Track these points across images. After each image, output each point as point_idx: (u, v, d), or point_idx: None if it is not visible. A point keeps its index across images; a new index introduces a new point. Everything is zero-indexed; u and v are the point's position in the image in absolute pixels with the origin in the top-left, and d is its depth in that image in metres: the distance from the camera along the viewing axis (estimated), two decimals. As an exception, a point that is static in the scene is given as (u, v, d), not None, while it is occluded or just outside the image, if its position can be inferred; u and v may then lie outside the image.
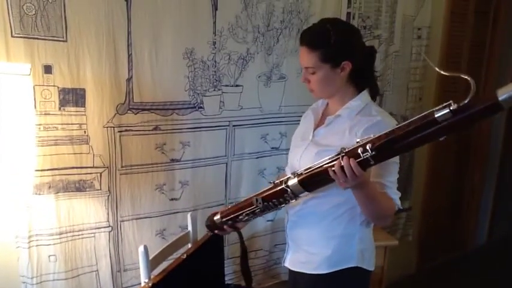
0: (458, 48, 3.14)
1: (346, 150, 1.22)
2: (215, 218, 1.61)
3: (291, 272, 1.62)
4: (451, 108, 1.05)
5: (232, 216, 1.54)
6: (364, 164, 1.20)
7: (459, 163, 3.55)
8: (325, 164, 1.25)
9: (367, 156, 1.17)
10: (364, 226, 1.50)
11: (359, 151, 1.19)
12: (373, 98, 1.52)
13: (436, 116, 1.07)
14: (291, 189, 1.33)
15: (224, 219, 1.57)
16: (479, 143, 3.62)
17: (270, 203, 1.40)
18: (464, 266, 3.53)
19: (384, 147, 1.16)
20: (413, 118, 1.13)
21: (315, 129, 1.54)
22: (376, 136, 1.17)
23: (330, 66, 1.41)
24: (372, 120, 1.38)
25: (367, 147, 1.17)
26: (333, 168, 1.23)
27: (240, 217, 1.51)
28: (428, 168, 3.21)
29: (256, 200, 1.41)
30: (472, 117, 1.06)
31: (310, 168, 1.29)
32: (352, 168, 1.19)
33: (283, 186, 1.34)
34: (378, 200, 1.36)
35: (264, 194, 1.41)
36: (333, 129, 1.48)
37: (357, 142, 1.21)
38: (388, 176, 1.39)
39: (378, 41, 2.52)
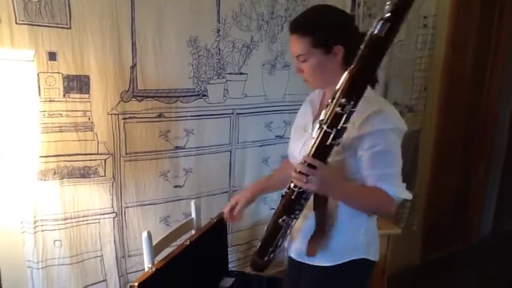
0: (465, 38, 3.12)
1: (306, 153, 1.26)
2: (257, 260, 1.56)
3: (293, 262, 1.58)
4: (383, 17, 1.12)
5: (271, 249, 1.48)
6: (325, 146, 1.22)
7: (464, 155, 3.53)
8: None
9: (323, 130, 1.21)
10: (369, 217, 1.49)
11: (315, 136, 1.24)
12: (372, 86, 1.46)
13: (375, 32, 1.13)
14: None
15: (267, 258, 1.52)
16: (484, 136, 3.60)
17: (296, 212, 1.37)
18: (468, 258, 3.52)
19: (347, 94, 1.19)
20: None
21: (314, 121, 1.51)
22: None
23: (322, 52, 1.37)
24: (371, 109, 1.33)
25: (322, 125, 1.22)
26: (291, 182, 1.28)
27: (279, 244, 1.47)
28: (433, 159, 3.21)
29: (283, 220, 1.37)
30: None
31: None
32: (307, 162, 1.22)
33: (298, 190, 1.30)
34: (360, 196, 1.36)
35: (285, 210, 1.37)
36: None
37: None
38: (381, 168, 1.33)
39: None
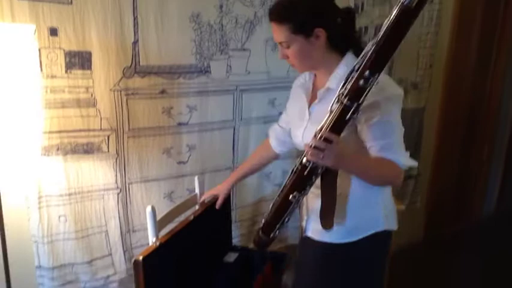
0: (471, 14, 3.07)
1: (319, 127, 1.24)
2: (262, 236, 1.56)
3: (312, 242, 1.56)
4: None
5: (278, 226, 1.48)
6: (343, 121, 1.21)
7: (469, 133, 3.51)
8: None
9: (343, 104, 1.19)
10: (385, 188, 1.50)
11: (334, 110, 1.22)
12: None
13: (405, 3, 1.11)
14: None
15: (272, 235, 1.52)
16: (489, 113, 3.57)
17: (307, 188, 1.36)
18: (471, 236, 3.53)
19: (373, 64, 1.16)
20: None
21: (309, 107, 1.50)
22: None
23: (303, 37, 1.36)
24: None
25: (341, 99, 1.20)
26: (305, 155, 1.26)
27: (286, 220, 1.46)
28: (437, 137, 3.19)
29: (294, 196, 1.36)
30: None
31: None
32: (324, 136, 1.20)
33: (311, 166, 1.29)
34: (372, 168, 1.34)
35: (296, 186, 1.36)
36: (327, 104, 1.38)
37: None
38: (384, 138, 1.32)
39: (388, 5, 2.48)
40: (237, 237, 2.35)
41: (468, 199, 3.70)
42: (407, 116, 2.85)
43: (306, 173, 1.31)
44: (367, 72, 1.16)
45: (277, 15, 1.38)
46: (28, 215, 1.77)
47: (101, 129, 1.82)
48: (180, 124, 2.02)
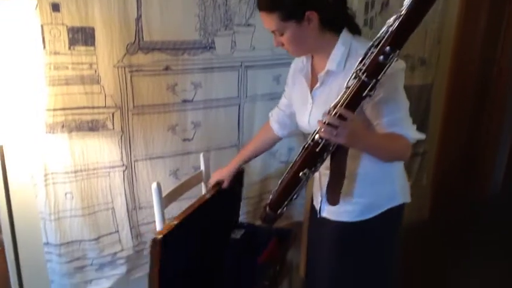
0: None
1: (334, 104, 1.21)
2: (269, 213, 1.54)
3: (325, 221, 1.57)
4: None
5: (286, 202, 1.47)
6: (360, 98, 1.18)
7: (476, 110, 3.48)
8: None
9: (361, 80, 1.16)
10: (397, 163, 1.50)
11: (350, 86, 1.19)
12: (358, 33, 1.43)
13: None
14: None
15: (280, 211, 1.51)
16: (497, 90, 3.53)
17: (318, 165, 1.35)
18: (477, 214, 3.53)
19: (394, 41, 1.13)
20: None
21: (311, 91, 1.48)
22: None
23: (295, 22, 1.32)
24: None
25: (359, 74, 1.17)
26: (317, 132, 1.24)
27: (294, 197, 1.45)
28: (445, 114, 3.16)
29: (304, 173, 1.35)
30: None
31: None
32: (339, 113, 1.17)
33: (324, 143, 1.27)
34: (383, 145, 1.33)
35: (307, 163, 1.34)
36: (329, 87, 1.41)
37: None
38: (391, 114, 1.31)
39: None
40: (243, 214, 2.35)
41: (475, 177, 3.69)
42: (414, 92, 2.83)
43: (317, 149, 1.29)
44: (387, 48, 1.13)
45: (265, 4, 1.35)
46: (35, 192, 1.78)
47: (105, 106, 1.81)
48: (184, 101, 2.01)
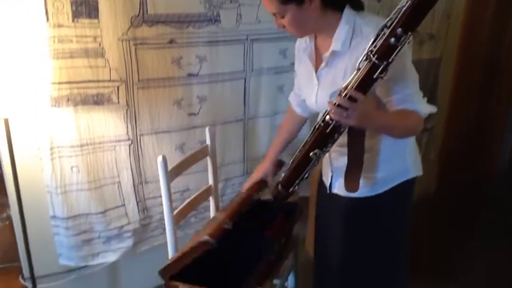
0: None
1: (345, 85, 1.19)
2: (281, 190, 1.56)
3: (336, 197, 1.57)
4: None
5: (298, 181, 1.48)
6: (371, 80, 1.16)
7: (485, 85, 3.44)
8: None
9: (372, 62, 1.14)
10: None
11: (361, 67, 1.17)
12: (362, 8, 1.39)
13: None
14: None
15: (291, 189, 1.52)
16: (507, 63, 3.47)
17: (329, 145, 1.34)
18: (484, 189, 3.52)
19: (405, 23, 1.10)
20: None
21: (316, 72, 1.45)
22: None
23: (295, 4, 1.29)
24: (367, 41, 1.24)
25: (370, 56, 1.14)
26: (328, 113, 1.23)
27: (306, 176, 1.46)
28: (453, 88, 3.13)
29: (314, 153, 1.35)
30: None
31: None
32: (349, 95, 1.15)
33: (334, 124, 1.25)
34: (396, 123, 1.31)
35: (318, 143, 1.34)
36: (334, 67, 1.38)
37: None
38: (401, 91, 1.29)
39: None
40: (248, 188, 2.36)
41: (483, 152, 3.67)
42: (423, 67, 2.79)
43: (328, 130, 1.28)
44: (399, 30, 1.10)
45: None
46: (41, 166, 1.78)
47: (110, 80, 1.80)
48: (190, 75, 1.99)
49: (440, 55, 2.89)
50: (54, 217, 1.87)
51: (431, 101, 2.87)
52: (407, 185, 1.51)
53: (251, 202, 1.70)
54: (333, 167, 1.56)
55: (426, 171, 1.57)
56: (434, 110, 1.36)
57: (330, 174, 1.58)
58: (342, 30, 1.33)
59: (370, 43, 1.16)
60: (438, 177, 3.30)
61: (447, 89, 3.10)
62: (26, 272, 1.93)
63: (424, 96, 1.35)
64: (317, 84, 1.45)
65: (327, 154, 1.52)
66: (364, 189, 1.47)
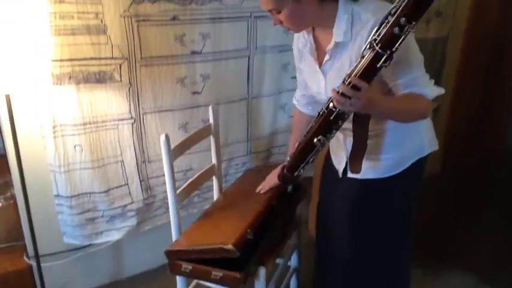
0: None
1: (349, 73, 1.17)
2: (286, 174, 1.57)
3: (343, 179, 1.57)
4: None
5: (302, 165, 1.49)
6: (374, 69, 1.14)
7: (492, 64, 3.39)
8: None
9: (375, 51, 1.12)
10: None
11: (365, 56, 1.14)
12: None
13: None
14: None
15: (297, 173, 1.53)
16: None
17: (333, 131, 1.34)
18: (489, 169, 3.50)
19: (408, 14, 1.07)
20: None
21: (320, 66, 1.42)
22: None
23: (291, 0, 1.26)
24: (367, 28, 1.24)
25: (373, 45, 1.12)
26: (332, 102, 1.22)
27: (310, 161, 1.46)
28: (459, 67, 3.09)
29: (318, 140, 1.35)
30: None
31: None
32: (352, 83, 1.13)
33: (338, 111, 1.25)
34: (401, 109, 1.29)
35: (322, 130, 1.33)
36: (339, 58, 1.36)
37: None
38: (407, 74, 1.27)
39: None
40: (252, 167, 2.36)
41: (488, 132, 3.64)
42: (429, 46, 2.75)
43: (332, 117, 1.28)
44: (403, 19, 1.07)
45: None
46: (44, 144, 1.77)
47: (112, 57, 1.77)
48: (193, 53, 1.96)
49: (447, 33, 2.84)
50: (57, 196, 1.87)
51: (437, 81, 2.85)
52: (419, 164, 1.50)
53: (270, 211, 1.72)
54: (347, 152, 1.52)
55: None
56: (442, 92, 1.33)
57: (345, 159, 1.55)
58: (341, 21, 1.30)
59: (374, 31, 1.13)
60: (443, 158, 3.28)
61: (453, 68, 3.05)
62: (30, 250, 1.94)
63: (430, 78, 1.32)
64: (323, 78, 1.43)
65: (341, 139, 1.52)
66: (380, 171, 1.47)
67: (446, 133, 3.20)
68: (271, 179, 1.77)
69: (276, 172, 1.74)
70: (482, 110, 3.50)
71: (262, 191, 1.78)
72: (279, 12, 1.30)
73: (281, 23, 1.34)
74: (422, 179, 1.58)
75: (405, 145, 1.46)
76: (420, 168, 1.53)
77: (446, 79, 2.99)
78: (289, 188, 1.84)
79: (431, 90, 1.30)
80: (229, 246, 1.46)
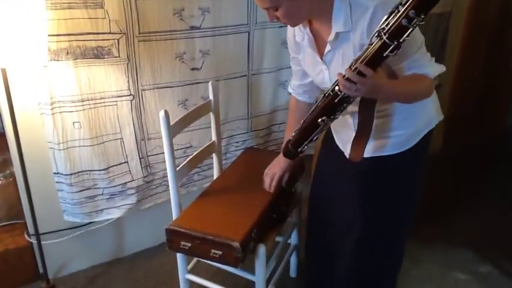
0: None
1: (356, 58, 1.16)
2: (291, 149, 1.55)
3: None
4: None
5: (306, 142, 1.48)
6: (381, 57, 1.13)
7: (496, 41, 3.34)
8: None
9: (383, 40, 1.10)
10: None
11: (373, 43, 1.12)
12: None
13: None
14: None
15: (300, 149, 1.53)
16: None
17: (337, 113, 1.33)
18: (490, 150, 3.48)
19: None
20: None
21: (322, 57, 1.40)
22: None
23: None
24: (367, 14, 1.22)
25: (381, 34, 1.10)
26: (338, 86, 1.21)
27: (314, 139, 1.46)
28: (462, 45, 3.04)
29: (322, 120, 1.34)
30: None
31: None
32: (358, 69, 1.13)
33: (343, 95, 1.24)
34: (405, 91, 1.29)
35: (326, 111, 1.33)
36: (341, 48, 1.33)
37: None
38: (409, 57, 1.26)
39: None
40: (253, 146, 2.34)
41: (490, 112, 3.61)
42: (432, 22, 2.70)
43: (336, 100, 1.28)
44: (411, 12, 1.05)
45: None
46: (42, 121, 1.75)
47: (110, 32, 1.74)
48: (192, 28, 1.93)
49: (451, 8, 2.79)
50: (57, 173, 1.86)
51: (439, 58, 2.82)
52: (426, 137, 1.50)
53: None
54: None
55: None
56: (443, 70, 1.33)
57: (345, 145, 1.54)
58: (339, 11, 1.28)
59: (384, 19, 1.11)
60: (444, 135, 3.26)
61: (456, 45, 3.01)
62: (31, 228, 1.94)
63: (432, 56, 1.32)
64: (326, 69, 1.41)
65: (351, 120, 1.51)
66: (392, 147, 1.47)
67: (448, 111, 3.17)
68: (272, 171, 1.77)
69: (275, 166, 1.76)
70: (484, 88, 3.47)
71: (271, 190, 1.76)
72: (276, 9, 1.28)
73: (278, 19, 1.32)
74: (427, 152, 1.58)
75: (417, 119, 1.46)
76: (427, 142, 1.53)
77: (448, 56, 2.95)
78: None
79: (433, 70, 1.30)
80: (236, 244, 1.47)
